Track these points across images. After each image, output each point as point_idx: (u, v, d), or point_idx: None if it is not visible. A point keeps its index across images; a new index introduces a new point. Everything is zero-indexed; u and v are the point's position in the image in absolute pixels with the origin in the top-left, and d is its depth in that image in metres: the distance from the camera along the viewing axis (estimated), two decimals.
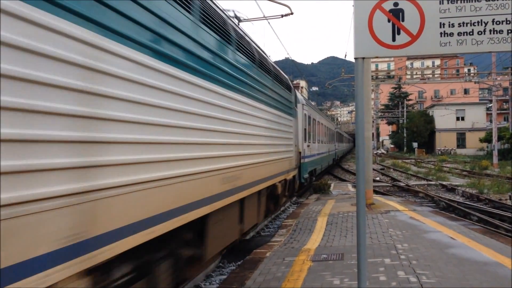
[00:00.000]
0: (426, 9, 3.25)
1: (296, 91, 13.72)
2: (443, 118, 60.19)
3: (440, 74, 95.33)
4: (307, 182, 15.40)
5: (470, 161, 37.23)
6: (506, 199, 14.13)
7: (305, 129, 14.58)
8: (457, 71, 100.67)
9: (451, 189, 17.68)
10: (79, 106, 2.46)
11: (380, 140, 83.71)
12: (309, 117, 16.07)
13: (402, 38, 3.28)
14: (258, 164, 6.84)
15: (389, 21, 3.29)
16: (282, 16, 13.03)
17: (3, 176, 1.94)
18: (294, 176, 11.50)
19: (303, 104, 14.48)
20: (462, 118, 61.41)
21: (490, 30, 3.15)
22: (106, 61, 2.73)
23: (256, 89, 6.79)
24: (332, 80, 50.70)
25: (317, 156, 18.70)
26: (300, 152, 13.09)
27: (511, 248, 6.23)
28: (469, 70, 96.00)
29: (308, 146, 15.37)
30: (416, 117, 63.87)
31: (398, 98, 73.74)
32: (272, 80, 8.24)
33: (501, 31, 3.14)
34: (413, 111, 70.92)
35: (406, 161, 39.45)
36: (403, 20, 3.28)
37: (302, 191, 16.10)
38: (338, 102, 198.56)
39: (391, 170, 30.15)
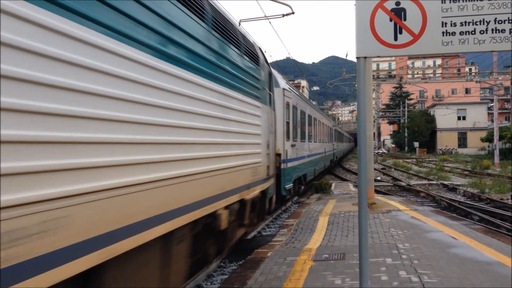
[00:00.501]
0: (428, 8, 3.25)
1: (274, 70, 10.53)
2: (444, 118, 60.16)
3: (441, 73, 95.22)
4: (291, 194, 12.23)
5: (472, 161, 37.23)
6: (507, 199, 14.12)
7: (287, 123, 11.31)
8: (458, 70, 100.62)
9: (453, 189, 17.66)
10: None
11: (381, 139, 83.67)
12: (295, 108, 12.60)
13: (404, 37, 3.28)
14: (156, 184, 3.32)
15: (391, 20, 3.29)
16: (284, 15, 13.05)
17: None
18: (264, 191, 7.62)
19: (283, 89, 10.79)
20: (463, 118, 61.37)
21: (492, 29, 3.15)
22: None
23: (156, 31, 3.41)
24: (333, 79, 50.64)
25: (308, 158, 15.23)
26: (279, 154, 10.24)
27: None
28: (470, 69, 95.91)
29: (293, 146, 12.03)
30: (417, 117, 63.84)
31: (399, 97, 73.74)
32: (208, 31, 4.71)
33: (503, 30, 3.14)
34: (414, 110, 70.87)
35: (407, 160, 39.43)
36: (405, 20, 3.28)
37: (302, 191, 15.48)
38: (339, 102, 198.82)
39: (392, 169, 30.14)
